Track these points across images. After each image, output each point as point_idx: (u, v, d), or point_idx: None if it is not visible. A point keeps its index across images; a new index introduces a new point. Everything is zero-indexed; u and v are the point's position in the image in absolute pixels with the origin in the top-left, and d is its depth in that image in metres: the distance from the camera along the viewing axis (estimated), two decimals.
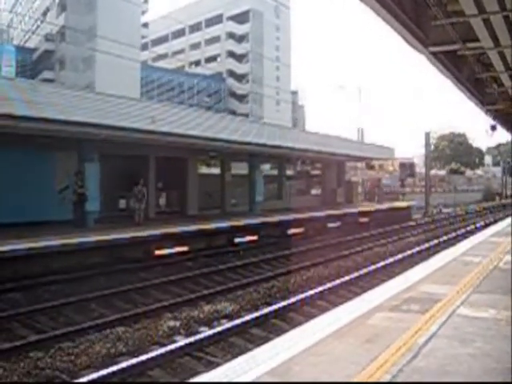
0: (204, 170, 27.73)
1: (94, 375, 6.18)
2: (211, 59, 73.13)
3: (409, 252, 16.55)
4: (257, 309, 9.72)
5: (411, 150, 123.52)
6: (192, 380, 4.63)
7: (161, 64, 70.35)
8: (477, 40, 8.40)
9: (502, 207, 44.70)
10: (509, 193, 62.07)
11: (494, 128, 15.88)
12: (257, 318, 8.82)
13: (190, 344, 7.39)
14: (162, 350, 7.08)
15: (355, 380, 3.97)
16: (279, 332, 7.60)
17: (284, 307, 9.51)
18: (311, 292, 10.63)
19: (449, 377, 4.06)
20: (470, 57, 10.15)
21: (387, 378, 3.99)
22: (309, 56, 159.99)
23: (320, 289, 10.92)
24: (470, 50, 9.28)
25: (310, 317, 7.84)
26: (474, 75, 11.98)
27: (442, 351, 4.65)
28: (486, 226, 24.00)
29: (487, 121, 15.96)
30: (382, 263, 14.33)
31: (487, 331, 5.28)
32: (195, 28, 75.06)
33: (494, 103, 14.34)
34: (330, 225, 22.99)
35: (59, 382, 6.44)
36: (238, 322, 8.51)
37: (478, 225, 26.63)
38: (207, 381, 4.20)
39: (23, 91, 13.15)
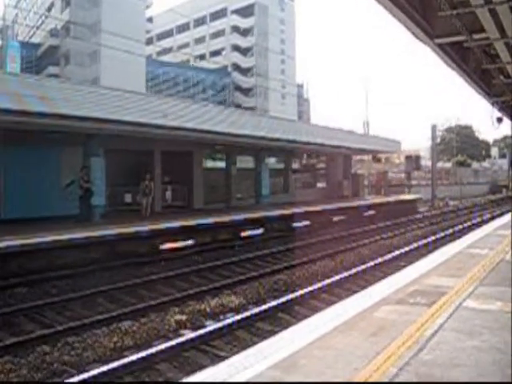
0: (209, 163, 27.73)
1: (101, 369, 6.21)
2: (216, 53, 73.05)
3: (414, 245, 16.49)
4: (262, 302, 9.72)
5: (418, 142, 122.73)
6: (195, 377, 4.63)
7: (166, 58, 70.36)
8: (483, 31, 8.31)
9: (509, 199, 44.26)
10: None
11: (500, 120, 15.72)
12: (262, 311, 8.82)
13: (197, 338, 7.41)
14: (169, 344, 7.10)
15: (361, 374, 3.95)
16: (285, 325, 7.61)
17: (289, 301, 9.50)
18: (316, 285, 10.61)
19: (456, 369, 4.03)
20: (476, 48, 10.04)
21: (393, 372, 3.98)
22: (314, 49, 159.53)
23: (325, 282, 10.91)
24: (476, 42, 9.17)
25: (316, 310, 7.83)
26: (481, 67, 11.84)
27: (449, 344, 4.62)
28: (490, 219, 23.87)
29: (494, 113, 15.81)
30: (387, 256, 14.30)
31: (494, 324, 5.25)
32: (200, 22, 74.98)
33: (500, 95, 14.21)
34: (336, 218, 22.97)
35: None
36: (243, 315, 8.52)
37: (484, 217, 26.48)
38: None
39: (35, 88, 13.25)
